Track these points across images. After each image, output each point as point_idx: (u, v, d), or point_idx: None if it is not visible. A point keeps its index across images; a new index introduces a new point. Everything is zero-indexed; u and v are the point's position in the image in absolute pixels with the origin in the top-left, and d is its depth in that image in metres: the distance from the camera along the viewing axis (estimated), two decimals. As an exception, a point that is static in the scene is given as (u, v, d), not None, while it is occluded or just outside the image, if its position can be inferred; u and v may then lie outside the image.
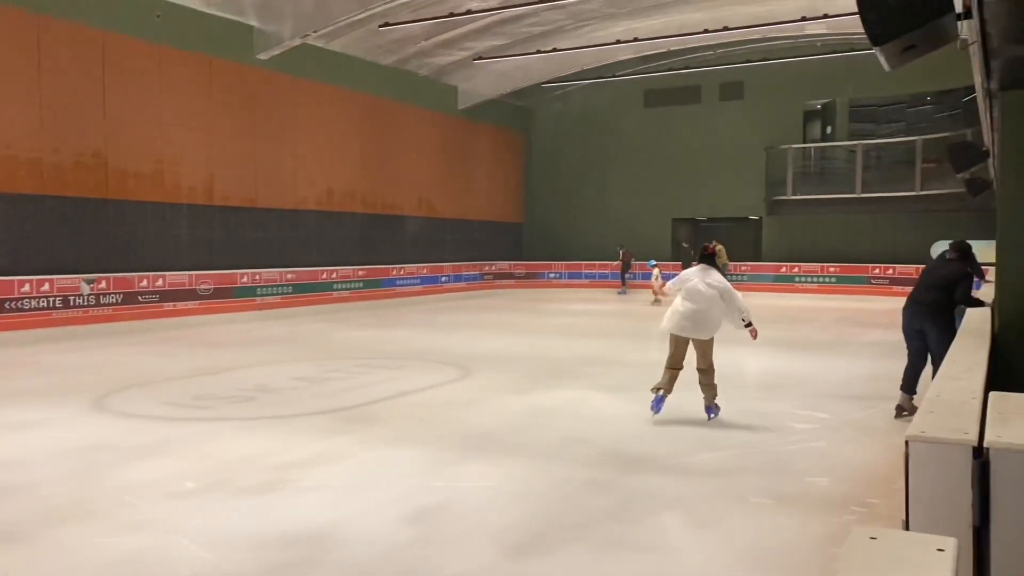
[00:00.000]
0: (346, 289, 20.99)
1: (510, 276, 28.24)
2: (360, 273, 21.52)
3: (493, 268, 27.63)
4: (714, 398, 7.63)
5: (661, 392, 7.62)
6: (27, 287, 13.89)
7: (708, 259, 7.70)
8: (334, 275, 20.67)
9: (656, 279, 22.32)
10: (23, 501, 5.25)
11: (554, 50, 23.18)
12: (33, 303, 13.97)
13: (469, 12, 19.12)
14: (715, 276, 7.54)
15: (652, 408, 7.66)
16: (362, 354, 12.40)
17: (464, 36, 21.78)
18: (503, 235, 28.64)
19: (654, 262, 22.90)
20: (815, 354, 12.65)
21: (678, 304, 7.58)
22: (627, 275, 26.26)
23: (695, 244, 25.96)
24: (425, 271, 24.14)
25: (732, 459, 6.43)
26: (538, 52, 23.38)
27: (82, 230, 15.13)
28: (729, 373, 9.59)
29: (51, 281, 14.24)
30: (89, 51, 15.15)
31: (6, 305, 13.56)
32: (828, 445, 6.95)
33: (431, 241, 24.84)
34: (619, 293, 26.21)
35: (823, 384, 9.89)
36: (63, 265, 14.65)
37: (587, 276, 27.91)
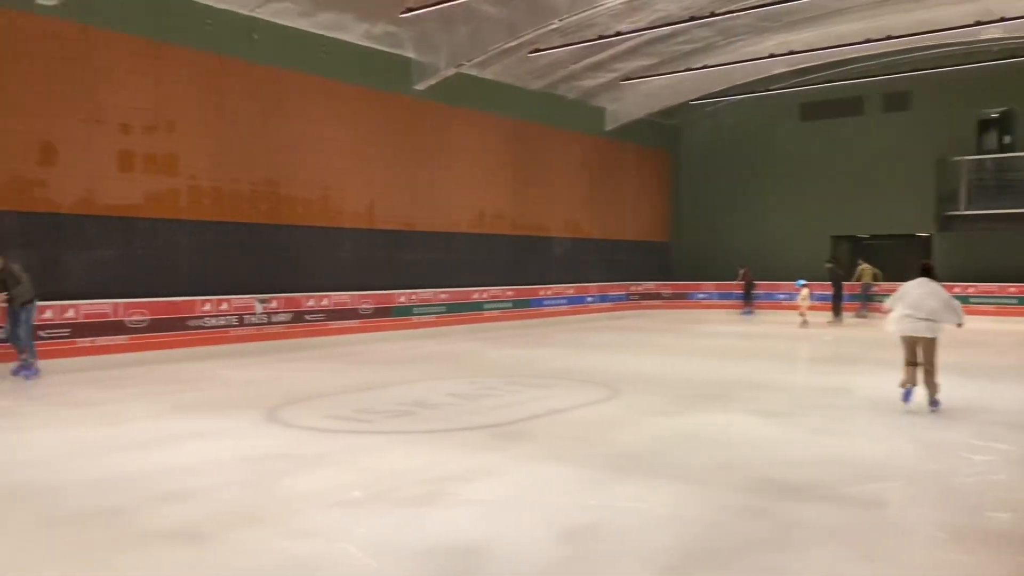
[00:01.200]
0: (496, 309, 21.45)
1: (657, 296, 27.91)
2: (509, 293, 21.95)
3: (639, 288, 27.42)
4: (936, 392, 8.76)
5: (909, 386, 8.88)
6: (208, 306, 15.09)
7: (928, 272, 9.03)
8: (485, 295, 21.18)
9: (804, 299, 21.45)
10: (204, 504, 5.71)
11: (704, 67, 22.86)
12: (213, 321, 15.15)
13: (619, 34, 19.20)
14: (934, 286, 8.82)
15: (903, 400, 8.87)
16: (512, 372, 12.63)
17: (612, 58, 21.89)
18: (649, 255, 28.38)
19: (803, 281, 22.01)
20: (993, 381, 11.76)
21: (902, 311, 8.83)
22: (752, 295, 25.61)
23: (845, 263, 24.81)
24: (571, 291, 24.27)
25: (900, 490, 6.09)
26: (688, 70, 23.13)
27: (256, 253, 16.28)
28: (895, 398, 9.11)
29: (229, 301, 15.41)
30: (263, 88, 16.36)
31: (189, 323, 14.77)
32: (1009, 478, 6.45)
33: (577, 261, 24.97)
34: (743, 314, 25.44)
35: (1003, 413, 9.18)
36: (239, 286, 15.81)
37: (738, 296, 27.16)
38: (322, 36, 17.34)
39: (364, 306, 17.95)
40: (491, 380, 11.77)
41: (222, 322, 15.29)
